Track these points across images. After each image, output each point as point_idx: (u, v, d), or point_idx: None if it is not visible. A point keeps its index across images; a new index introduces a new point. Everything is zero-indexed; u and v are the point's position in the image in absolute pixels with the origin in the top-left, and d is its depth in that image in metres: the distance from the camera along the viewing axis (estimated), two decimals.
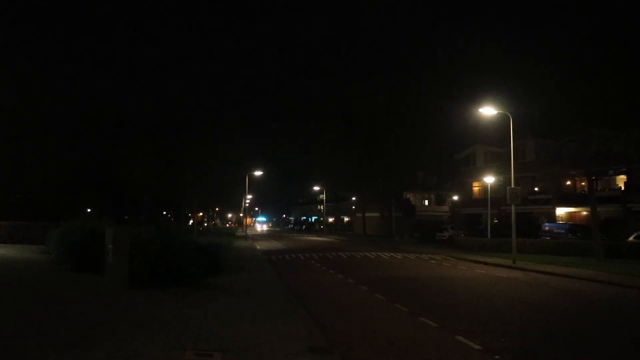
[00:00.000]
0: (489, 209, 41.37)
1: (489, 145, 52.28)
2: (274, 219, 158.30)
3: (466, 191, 57.20)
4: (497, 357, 8.04)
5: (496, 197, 43.42)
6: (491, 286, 17.20)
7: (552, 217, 44.93)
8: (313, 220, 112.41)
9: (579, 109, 27.68)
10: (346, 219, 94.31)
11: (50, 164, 40.73)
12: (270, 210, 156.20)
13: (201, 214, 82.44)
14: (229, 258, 16.02)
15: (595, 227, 28.25)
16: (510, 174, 28.63)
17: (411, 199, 70.63)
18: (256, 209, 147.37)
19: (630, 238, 30.75)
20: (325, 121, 62.13)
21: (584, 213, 42.86)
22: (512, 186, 27.26)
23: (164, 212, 71.91)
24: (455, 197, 64.26)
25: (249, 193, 64.56)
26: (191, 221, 63.97)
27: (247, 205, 75.83)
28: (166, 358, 6.79)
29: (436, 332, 9.78)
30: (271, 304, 11.82)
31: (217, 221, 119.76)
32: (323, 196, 79.84)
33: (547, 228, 39.07)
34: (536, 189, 48.51)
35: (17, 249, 22.15)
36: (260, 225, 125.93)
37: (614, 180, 43.45)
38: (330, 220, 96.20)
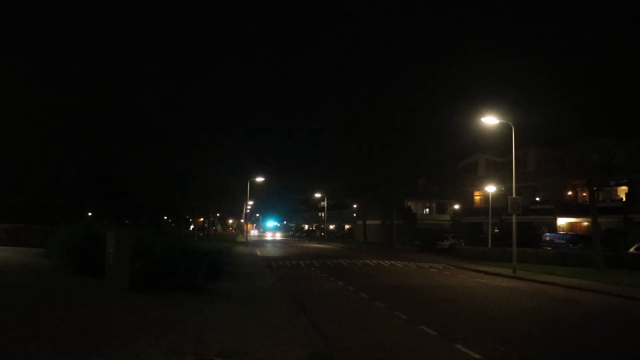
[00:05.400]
0: (490, 218, 41.33)
1: (491, 155, 52.32)
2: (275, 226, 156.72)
3: (467, 200, 57.17)
4: None
5: (497, 206, 43.40)
6: (491, 295, 17.17)
7: (553, 227, 44.84)
8: (314, 227, 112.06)
9: (581, 118, 27.73)
10: (347, 226, 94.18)
11: (52, 167, 40.83)
12: (270, 217, 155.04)
13: (202, 219, 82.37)
14: (229, 264, 16.03)
15: (596, 237, 28.19)
16: (512, 183, 28.64)
17: (412, 207, 70.56)
18: (257, 215, 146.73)
19: (631, 249, 30.67)
20: (327, 128, 62.40)
21: (585, 223, 42.81)
22: (514, 196, 27.26)
23: (165, 217, 71.95)
24: (457, 206, 64.19)
25: (250, 199, 64.53)
26: (192, 226, 63.95)
27: (248, 211, 75.80)
28: None
29: (436, 340, 9.77)
30: (271, 310, 11.83)
31: (218, 227, 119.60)
32: (324, 203, 79.79)
33: (548, 238, 38.98)
34: (537, 198, 48.47)
35: (18, 252, 22.15)
36: (272, 233, 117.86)
37: (616, 191, 43.42)
38: (332, 227, 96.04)
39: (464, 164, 57.81)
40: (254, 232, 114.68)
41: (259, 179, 58.28)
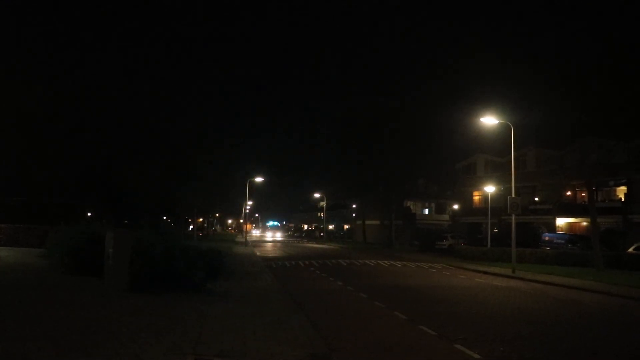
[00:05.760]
0: (489, 218, 41.35)
1: (490, 155, 52.38)
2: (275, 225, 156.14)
3: (467, 200, 57.22)
4: None
5: (496, 206, 43.45)
6: (490, 295, 17.19)
7: (552, 227, 44.90)
8: (313, 227, 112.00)
9: (581, 119, 27.76)
10: (346, 226, 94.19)
11: (52, 167, 40.80)
12: (270, 217, 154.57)
13: (201, 219, 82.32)
14: (228, 264, 16.03)
15: (595, 237, 28.25)
16: (511, 183, 28.67)
17: (411, 207, 70.61)
18: (256, 215, 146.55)
19: (630, 249, 30.71)
20: (327, 129, 62.45)
21: (584, 224, 42.86)
22: (513, 196, 27.28)
23: (164, 217, 71.98)
24: (456, 206, 64.25)
25: (249, 199, 64.53)
26: (191, 226, 63.94)
27: (248, 211, 75.81)
28: None
29: (435, 340, 9.79)
30: (271, 310, 11.84)
31: (217, 227, 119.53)
32: (323, 203, 79.81)
33: (547, 238, 39.02)
34: (537, 199, 48.51)
35: (17, 251, 22.16)
36: (272, 233, 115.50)
37: (615, 191, 43.49)
38: (331, 227, 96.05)
39: (463, 164, 57.87)
40: (255, 232, 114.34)
41: (259, 179, 58.30)
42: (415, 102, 54.11)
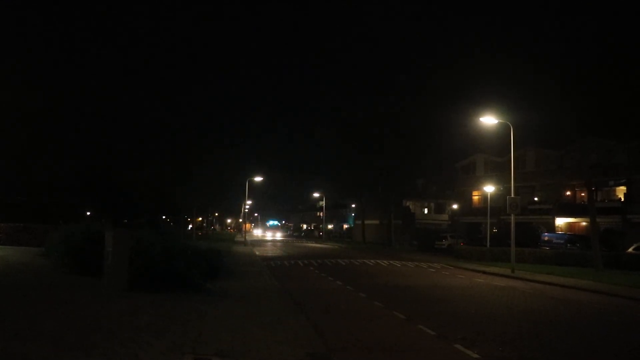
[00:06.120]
0: (488, 218, 41.36)
1: (490, 154, 52.41)
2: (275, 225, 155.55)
3: (466, 200, 57.24)
4: None
5: (496, 206, 43.49)
6: (489, 295, 17.20)
7: (552, 227, 44.93)
8: (312, 227, 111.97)
9: (581, 119, 27.78)
10: (346, 226, 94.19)
11: (52, 167, 40.87)
12: (268, 216, 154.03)
13: (200, 218, 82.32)
14: (228, 263, 16.05)
15: (594, 237, 28.27)
16: (511, 183, 28.67)
17: (411, 206, 70.60)
18: (255, 214, 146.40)
19: (630, 249, 30.74)
20: (326, 128, 62.44)
21: (584, 224, 42.91)
22: (512, 196, 27.29)
23: (163, 217, 71.95)
24: (455, 206, 64.24)
25: (248, 199, 64.51)
26: (190, 226, 63.96)
27: (247, 211, 75.76)
28: None
29: (434, 340, 9.79)
30: (270, 309, 11.84)
31: (217, 226, 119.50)
32: (323, 203, 79.78)
33: (546, 238, 39.05)
34: (536, 198, 48.55)
35: (16, 251, 22.13)
36: (273, 233, 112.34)
37: (614, 191, 43.53)
38: (330, 227, 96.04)
39: (462, 164, 57.88)
40: (256, 232, 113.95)
41: (258, 179, 58.28)
42: (415, 102, 54.09)
